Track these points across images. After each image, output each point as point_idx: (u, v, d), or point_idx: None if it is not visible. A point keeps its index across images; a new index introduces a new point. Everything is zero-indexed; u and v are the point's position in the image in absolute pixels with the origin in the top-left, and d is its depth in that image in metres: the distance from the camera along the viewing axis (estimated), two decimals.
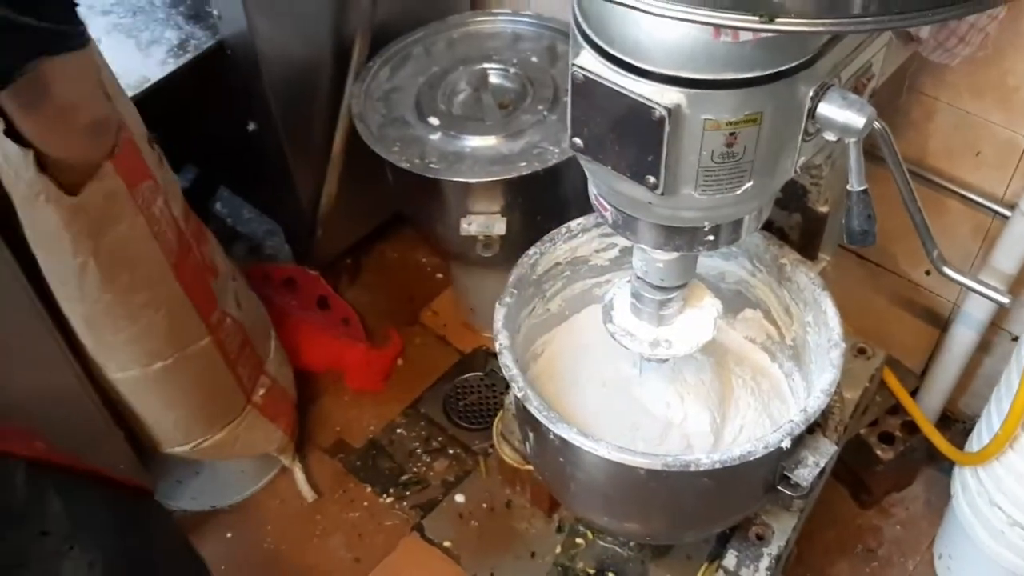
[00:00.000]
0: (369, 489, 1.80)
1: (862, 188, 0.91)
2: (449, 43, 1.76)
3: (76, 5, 1.05)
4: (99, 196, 1.19)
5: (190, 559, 1.22)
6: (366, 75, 1.68)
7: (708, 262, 1.39)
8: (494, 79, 1.70)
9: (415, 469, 1.82)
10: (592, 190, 1.02)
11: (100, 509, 1.03)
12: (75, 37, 1.07)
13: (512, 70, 1.70)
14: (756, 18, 0.66)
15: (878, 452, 1.64)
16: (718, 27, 0.72)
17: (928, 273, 1.65)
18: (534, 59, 1.71)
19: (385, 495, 1.79)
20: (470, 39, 1.77)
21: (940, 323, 1.68)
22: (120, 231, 1.23)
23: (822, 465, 1.18)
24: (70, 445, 1.42)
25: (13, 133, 1.08)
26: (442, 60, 1.73)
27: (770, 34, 0.73)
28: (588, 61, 0.83)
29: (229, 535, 1.75)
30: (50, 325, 1.28)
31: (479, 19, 1.80)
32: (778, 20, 0.67)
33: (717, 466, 1.08)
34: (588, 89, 0.84)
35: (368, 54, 1.69)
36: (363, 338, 1.95)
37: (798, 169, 0.91)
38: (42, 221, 1.17)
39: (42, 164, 1.11)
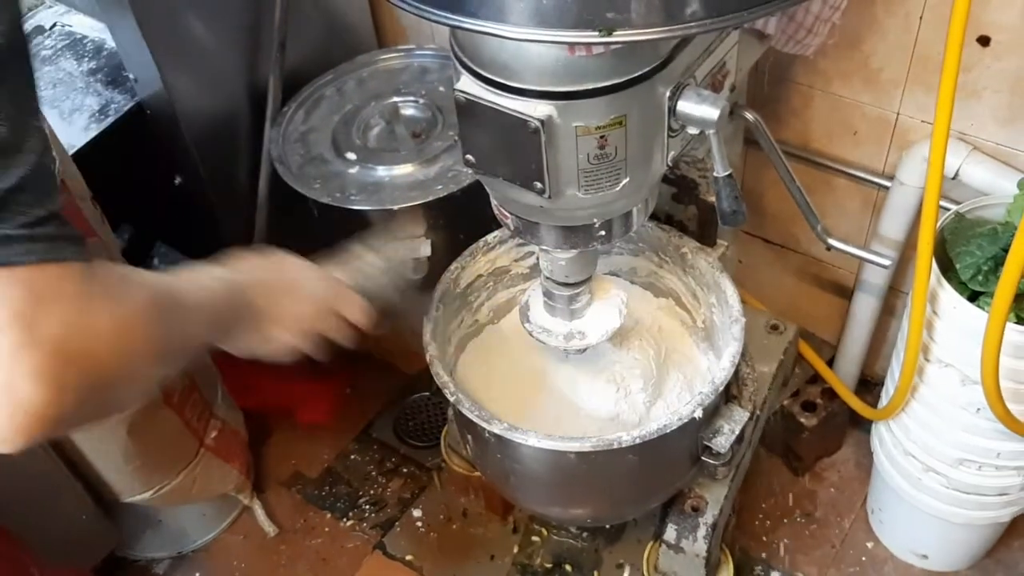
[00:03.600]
0: (329, 515, 1.86)
1: (727, 173, 1.01)
2: (359, 81, 1.85)
3: None
4: None
5: None
6: (282, 119, 1.76)
7: (619, 259, 1.49)
8: (405, 111, 1.78)
9: (372, 491, 1.89)
10: (493, 202, 1.11)
11: None
12: None
13: (421, 101, 1.78)
14: (596, 33, 0.76)
15: (802, 420, 1.74)
16: (567, 44, 0.82)
17: (828, 249, 1.76)
18: (441, 89, 1.80)
19: (345, 519, 1.85)
20: (379, 76, 1.86)
21: (846, 294, 1.79)
22: None
23: (737, 432, 1.28)
24: (28, 501, 1.47)
25: None
26: (354, 98, 1.81)
27: (616, 45, 0.83)
28: (467, 84, 0.92)
29: (197, 574, 1.80)
30: None
31: (386, 56, 1.88)
32: (616, 32, 0.76)
33: (638, 442, 1.17)
34: (470, 110, 0.93)
35: (282, 99, 1.76)
36: (308, 373, 2.01)
37: (669, 163, 1.00)
38: None
39: None
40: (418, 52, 1.87)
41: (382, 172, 1.66)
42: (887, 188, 1.55)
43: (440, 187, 1.63)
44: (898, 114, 1.50)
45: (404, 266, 1.25)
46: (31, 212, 0.65)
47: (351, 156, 1.69)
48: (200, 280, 0.95)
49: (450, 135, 1.71)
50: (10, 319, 0.63)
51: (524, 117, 0.89)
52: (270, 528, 1.83)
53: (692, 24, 0.76)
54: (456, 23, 0.80)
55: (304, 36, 1.80)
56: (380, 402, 2.04)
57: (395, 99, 1.79)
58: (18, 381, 0.63)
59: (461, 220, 1.68)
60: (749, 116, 1.24)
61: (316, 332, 1.08)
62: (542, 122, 0.88)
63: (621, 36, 0.76)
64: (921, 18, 1.37)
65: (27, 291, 0.64)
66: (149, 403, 1.48)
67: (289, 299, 1.05)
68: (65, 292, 0.67)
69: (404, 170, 1.67)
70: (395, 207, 1.62)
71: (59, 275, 0.67)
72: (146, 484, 1.58)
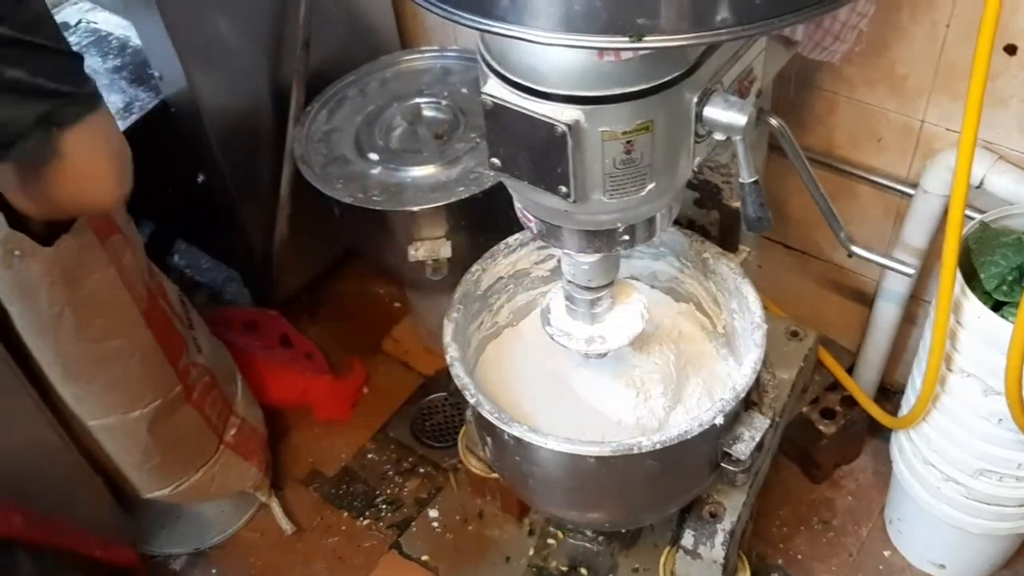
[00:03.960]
0: (346, 514, 1.87)
1: (752, 179, 1.01)
2: (382, 82, 1.85)
3: (82, 61, 1.00)
4: (73, 248, 1.25)
5: None
6: (305, 119, 1.77)
7: (640, 263, 1.49)
8: (427, 112, 1.79)
9: (388, 491, 1.90)
10: (517, 205, 1.11)
11: None
12: (87, 99, 0.99)
13: (444, 102, 1.79)
14: (626, 39, 0.76)
15: (821, 427, 1.74)
16: (596, 49, 0.81)
17: (850, 256, 1.75)
18: (464, 90, 1.81)
19: (361, 518, 1.86)
20: (402, 77, 1.87)
21: (867, 301, 1.78)
22: (93, 280, 1.30)
23: (757, 439, 1.27)
24: (50, 496, 1.48)
25: None
26: (377, 99, 1.82)
27: (645, 51, 0.83)
28: (494, 88, 0.92)
29: (214, 571, 1.81)
30: (23, 379, 1.34)
31: (409, 57, 1.89)
32: (646, 38, 0.76)
33: (658, 447, 1.16)
34: (497, 113, 0.93)
35: (306, 99, 1.77)
36: (327, 371, 2.02)
37: (695, 168, 1.00)
38: (17, 274, 1.21)
39: (13, 222, 1.16)
40: (441, 53, 1.88)
41: (404, 173, 1.67)
42: (910, 196, 1.55)
43: (462, 189, 1.64)
44: (923, 122, 1.49)
45: None
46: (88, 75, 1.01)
47: (373, 156, 1.69)
48: None
49: (472, 137, 1.71)
50: (121, 147, 1.08)
51: (551, 121, 0.89)
52: (287, 526, 1.83)
53: (722, 31, 0.76)
54: (486, 27, 0.80)
55: (328, 36, 1.81)
56: (397, 402, 2.05)
57: (418, 100, 1.80)
58: (125, 176, 1.09)
59: (482, 222, 1.69)
60: (774, 122, 1.23)
61: None
62: (569, 127, 0.89)
63: (651, 42, 0.76)
64: (948, 26, 1.36)
65: (114, 127, 1.08)
66: (170, 400, 1.49)
67: None
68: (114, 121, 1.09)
69: (426, 171, 1.68)
70: (416, 208, 1.63)
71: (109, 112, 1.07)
72: (165, 481, 1.59)
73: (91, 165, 1.04)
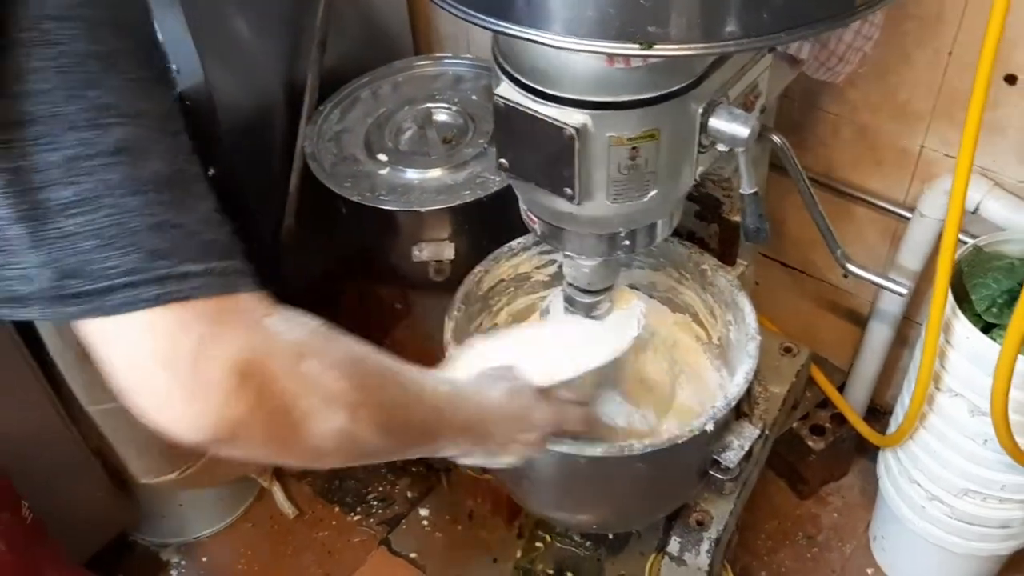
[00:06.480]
0: (337, 509, 1.89)
1: (752, 191, 1.04)
2: (395, 86, 1.88)
3: None
4: None
5: None
6: (317, 118, 1.80)
7: (639, 273, 1.52)
8: (438, 117, 1.82)
9: (380, 488, 1.92)
10: (522, 206, 1.14)
11: None
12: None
13: (454, 108, 1.82)
14: (637, 46, 0.79)
15: (809, 443, 1.76)
16: (606, 55, 0.85)
17: (846, 276, 1.78)
18: (474, 97, 1.84)
19: (353, 513, 1.88)
20: (414, 81, 1.89)
21: (860, 321, 1.81)
22: None
23: (747, 448, 1.30)
24: (47, 478, 1.50)
25: None
26: (388, 101, 1.85)
27: (655, 59, 0.86)
28: (507, 91, 0.95)
29: (205, 559, 1.83)
30: (29, 358, 1.37)
31: (422, 63, 1.92)
32: (656, 46, 0.79)
33: (649, 450, 1.19)
34: (508, 115, 0.96)
35: (319, 99, 1.80)
36: None
37: (697, 177, 1.03)
38: None
39: None
40: (454, 60, 1.91)
41: (412, 175, 1.70)
42: (907, 219, 1.58)
43: (467, 192, 1.66)
44: (922, 147, 1.53)
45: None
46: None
47: (383, 158, 1.72)
48: (426, 375, 1.01)
49: (480, 143, 1.74)
50: (195, 343, 0.67)
51: (560, 124, 0.92)
52: (290, 510, 1.85)
53: (729, 43, 0.79)
54: (500, 29, 0.83)
55: (343, 38, 1.84)
56: None
57: (428, 105, 1.82)
58: (201, 390, 0.67)
59: (485, 226, 1.71)
60: (776, 139, 1.26)
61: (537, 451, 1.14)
62: (577, 130, 0.91)
63: (660, 50, 0.79)
64: (950, 54, 1.39)
65: (207, 320, 0.68)
66: None
67: (519, 427, 1.10)
68: (242, 318, 0.71)
69: (433, 174, 1.70)
70: (423, 209, 1.66)
71: (235, 304, 0.71)
72: (174, 464, 1.60)
73: (134, 371, 0.68)
